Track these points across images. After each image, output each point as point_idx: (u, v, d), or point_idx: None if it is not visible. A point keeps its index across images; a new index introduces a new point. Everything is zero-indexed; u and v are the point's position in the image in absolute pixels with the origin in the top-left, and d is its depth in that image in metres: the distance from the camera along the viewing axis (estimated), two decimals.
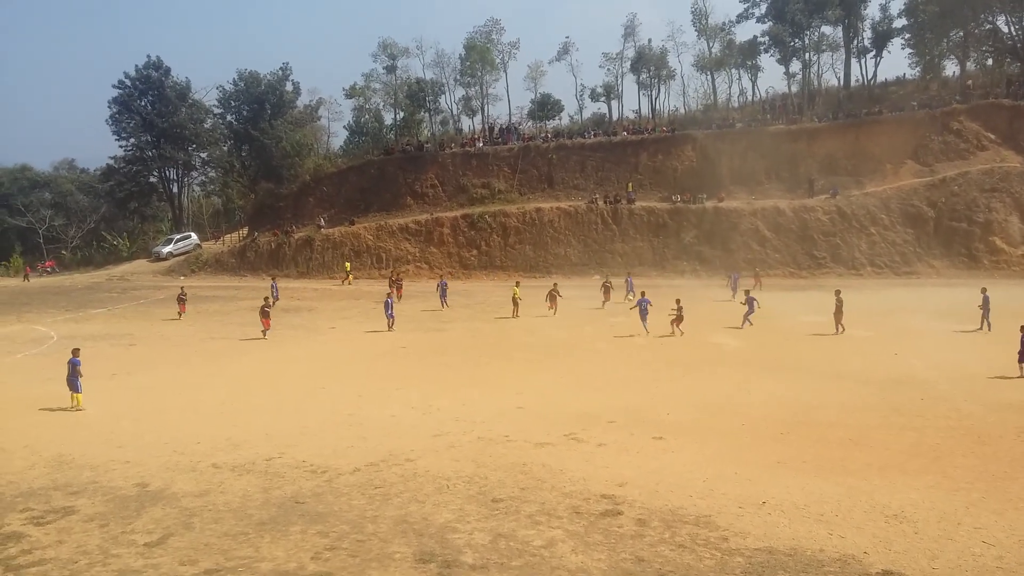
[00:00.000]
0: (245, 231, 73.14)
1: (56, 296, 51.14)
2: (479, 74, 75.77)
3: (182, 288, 43.40)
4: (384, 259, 62.49)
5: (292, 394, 22.93)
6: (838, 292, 33.42)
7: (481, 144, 70.41)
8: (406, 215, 65.50)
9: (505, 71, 77.37)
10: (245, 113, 79.32)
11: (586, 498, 14.01)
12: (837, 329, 32.42)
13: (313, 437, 18.12)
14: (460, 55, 75.46)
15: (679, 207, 62.26)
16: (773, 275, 55.19)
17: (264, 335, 33.29)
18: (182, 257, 68.50)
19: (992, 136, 63.18)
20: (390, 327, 34.76)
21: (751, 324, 34.11)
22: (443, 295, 42.58)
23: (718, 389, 23.01)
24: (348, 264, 61.92)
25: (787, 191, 63.38)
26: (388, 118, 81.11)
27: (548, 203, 64.17)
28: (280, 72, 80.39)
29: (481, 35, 75.57)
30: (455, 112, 79.53)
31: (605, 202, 63.13)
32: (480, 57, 74.28)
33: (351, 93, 77.44)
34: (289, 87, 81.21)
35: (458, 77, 76.57)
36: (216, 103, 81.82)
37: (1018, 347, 23.70)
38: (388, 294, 38.21)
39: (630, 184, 64.45)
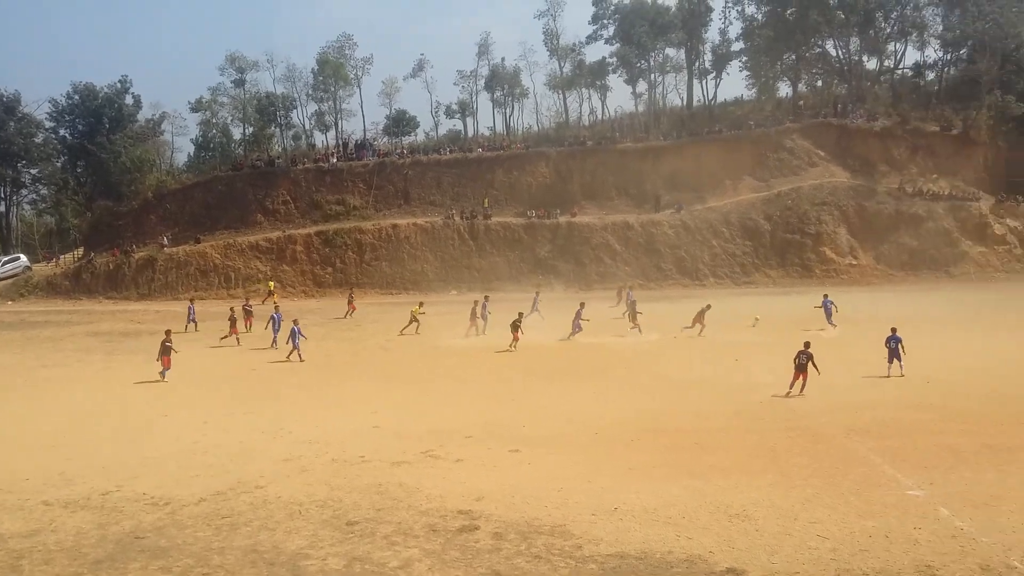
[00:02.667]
0: (81, 252, 68.82)
1: None
2: (332, 89, 74.74)
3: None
4: (233, 279, 60.18)
5: (131, 423, 21.59)
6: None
7: (335, 160, 69.28)
8: (256, 233, 63.42)
9: (359, 86, 76.76)
10: (81, 127, 75.25)
11: (443, 515, 13.89)
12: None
13: (154, 468, 17.11)
14: (313, 70, 74.31)
15: (534, 222, 63.34)
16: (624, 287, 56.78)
17: (163, 376, 27.53)
18: (9, 280, 63.61)
19: (822, 153, 67.88)
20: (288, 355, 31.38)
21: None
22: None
23: (574, 400, 23.37)
24: (272, 283, 58.50)
25: (635, 206, 65.76)
26: (237, 133, 78.74)
27: (404, 219, 63.82)
28: (119, 84, 76.81)
29: (334, 50, 74.64)
30: (308, 127, 78.21)
31: (462, 218, 63.45)
32: (333, 72, 73.33)
33: (197, 107, 74.72)
34: (129, 100, 77.77)
35: (310, 92, 75.40)
36: (48, 116, 77.10)
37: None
38: (276, 307, 37.11)
39: (486, 200, 65.10)
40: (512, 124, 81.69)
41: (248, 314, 40.01)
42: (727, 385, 24.89)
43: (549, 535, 12.97)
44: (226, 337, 36.04)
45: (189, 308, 42.88)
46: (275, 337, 34.12)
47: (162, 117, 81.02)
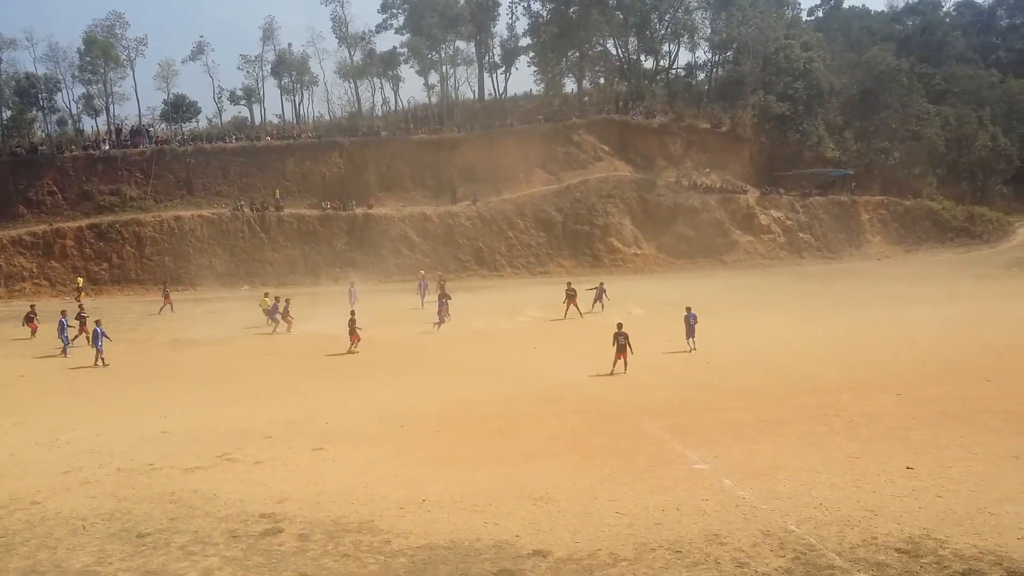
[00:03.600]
0: None
1: None
2: (102, 71, 69.05)
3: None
4: None
5: None
6: (569, 283, 39.91)
7: (107, 147, 64.07)
8: (19, 226, 57.50)
9: (132, 69, 71.23)
10: None
11: (244, 520, 13.31)
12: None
13: None
14: (79, 49, 68.32)
15: (329, 214, 61.93)
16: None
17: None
18: None
19: (607, 148, 71.09)
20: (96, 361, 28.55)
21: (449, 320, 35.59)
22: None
23: (379, 394, 23.15)
24: (80, 280, 53.34)
25: (432, 198, 65.94)
26: None
27: (188, 211, 60.27)
28: None
29: (103, 29, 69.05)
30: (75, 111, 71.93)
31: (252, 209, 60.78)
32: (103, 52, 67.78)
33: None
34: None
35: (76, 73, 69.21)
36: None
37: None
38: (81, 307, 33.24)
39: (277, 191, 62.82)
40: (302, 113, 79.44)
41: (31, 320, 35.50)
42: (527, 373, 25.53)
43: (357, 532, 12.77)
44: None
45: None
46: (65, 344, 30.86)
47: None
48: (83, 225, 57.56)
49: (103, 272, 56.06)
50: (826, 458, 15.92)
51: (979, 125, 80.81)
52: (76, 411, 21.67)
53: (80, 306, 36.19)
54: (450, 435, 18.45)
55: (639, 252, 66.08)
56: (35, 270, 55.27)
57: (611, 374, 24.53)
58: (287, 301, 36.33)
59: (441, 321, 34.77)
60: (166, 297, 44.47)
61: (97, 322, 29.32)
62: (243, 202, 61.14)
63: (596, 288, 40.37)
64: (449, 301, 36.09)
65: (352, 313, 30.75)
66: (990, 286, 49.20)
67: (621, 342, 24.76)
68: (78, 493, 14.81)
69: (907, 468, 15.15)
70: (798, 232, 71.07)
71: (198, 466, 16.31)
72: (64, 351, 29.65)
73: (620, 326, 25.21)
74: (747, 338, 31.30)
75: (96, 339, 28.46)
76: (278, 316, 35.44)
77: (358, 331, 29.87)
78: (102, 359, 28.25)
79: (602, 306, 39.25)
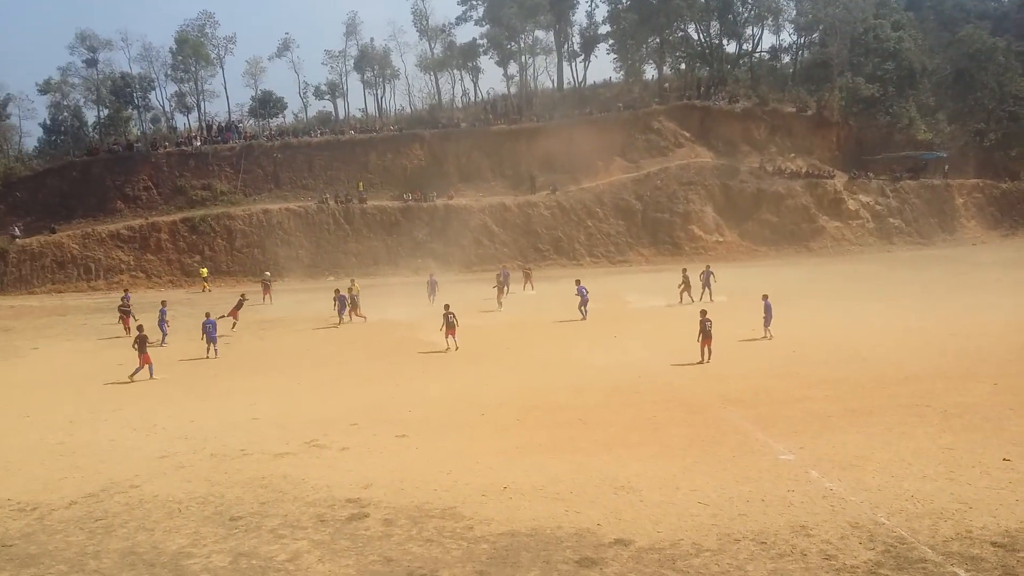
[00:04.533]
0: None
1: None
2: (193, 69, 71.42)
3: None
4: (93, 270, 56.93)
5: None
6: (684, 270, 38.66)
7: (199, 143, 66.34)
8: (117, 221, 60.13)
9: (222, 66, 73.55)
10: None
11: (331, 505, 13.65)
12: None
13: (17, 472, 16.10)
14: (171, 49, 70.76)
15: (410, 205, 62.78)
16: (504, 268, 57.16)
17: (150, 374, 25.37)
18: None
19: (687, 134, 70.09)
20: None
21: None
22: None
23: (457, 382, 23.38)
24: (204, 270, 56.54)
25: (511, 188, 66.16)
26: (91, 116, 74.21)
27: (276, 204, 61.97)
28: None
29: (194, 28, 71.36)
30: (168, 109, 74.53)
31: (336, 202, 62.16)
32: (193, 51, 70.09)
33: (45, 88, 69.94)
34: None
35: (169, 72, 71.72)
36: None
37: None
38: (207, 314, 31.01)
39: (360, 183, 64.04)
40: (384, 106, 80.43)
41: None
42: (606, 362, 25.42)
43: (440, 518, 12.95)
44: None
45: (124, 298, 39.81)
46: (164, 334, 31.91)
47: (7, 99, 75.35)
48: (176, 219, 59.79)
49: (195, 264, 58.06)
50: (918, 449, 15.42)
51: None
52: (171, 399, 22.52)
53: (125, 299, 36.65)
54: (529, 424, 18.53)
55: (721, 239, 65.00)
56: (132, 263, 57.65)
57: (701, 363, 24.27)
58: (350, 292, 36.44)
59: (584, 316, 34.21)
60: (266, 288, 45.65)
61: (207, 314, 29.76)
62: (328, 195, 62.56)
63: (703, 273, 38.87)
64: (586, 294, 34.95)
65: (447, 307, 28.76)
66: None
67: (707, 328, 24.44)
68: (174, 477, 15.42)
69: (1003, 460, 14.56)
70: (888, 217, 68.88)
71: (287, 452, 16.79)
72: (213, 348, 29.18)
73: (704, 313, 24.96)
74: (834, 326, 30.47)
75: (211, 331, 28.67)
76: (346, 307, 35.67)
77: (454, 324, 28.21)
78: (214, 349, 28.83)
79: (711, 294, 37.95)
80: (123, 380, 25.03)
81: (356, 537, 12.31)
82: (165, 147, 65.76)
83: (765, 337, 27.65)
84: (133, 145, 66.60)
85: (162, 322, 31.34)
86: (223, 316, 33.57)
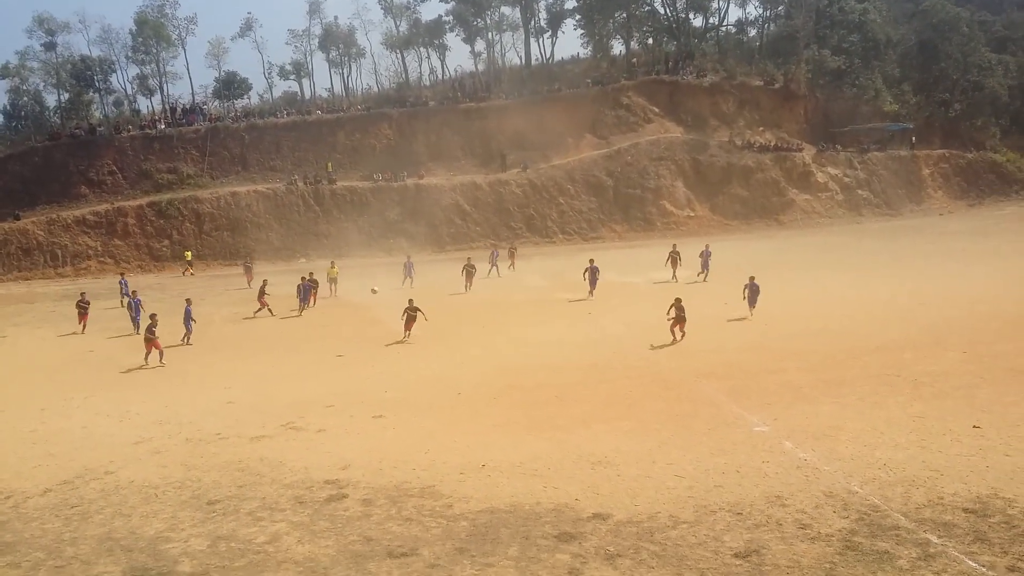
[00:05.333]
0: None
1: None
2: (154, 51, 69.93)
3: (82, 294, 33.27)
4: (60, 256, 55.93)
5: None
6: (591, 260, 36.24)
7: (163, 126, 65.18)
8: (82, 206, 58.99)
9: (184, 48, 71.94)
10: None
11: (309, 487, 13.65)
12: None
13: None
14: (131, 30, 69.25)
15: (381, 185, 62.34)
16: (476, 247, 57.15)
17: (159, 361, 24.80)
18: None
19: (656, 109, 70.10)
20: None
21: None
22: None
23: (434, 362, 23.39)
24: (189, 254, 55.86)
25: (482, 166, 65.92)
26: (51, 100, 72.60)
27: (244, 186, 61.19)
28: None
29: (153, 9, 69.81)
30: (130, 92, 73.00)
31: (305, 183, 61.51)
32: (154, 33, 68.58)
33: (4, 73, 68.18)
34: None
35: (130, 54, 70.18)
36: None
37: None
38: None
39: (329, 164, 63.40)
40: (351, 85, 79.58)
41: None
42: (582, 339, 25.53)
43: (419, 497, 13.00)
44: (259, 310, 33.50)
45: (121, 283, 39.37)
46: (136, 320, 30.13)
47: None
48: (143, 203, 58.86)
49: (164, 249, 57.35)
50: (889, 418, 15.69)
51: None
52: (145, 385, 22.32)
53: (82, 296, 32.94)
54: (506, 402, 18.60)
55: (692, 214, 65.29)
56: (100, 248, 56.74)
57: (673, 343, 24.24)
58: (309, 278, 35.82)
59: (593, 290, 34.25)
60: (247, 272, 44.91)
61: (188, 301, 29.28)
62: (296, 176, 61.89)
63: (703, 252, 37.97)
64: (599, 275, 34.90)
65: (411, 302, 27.33)
66: None
67: (681, 315, 24.32)
68: (149, 463, 15.32)
69: (974, 427, 14.86)
70: (856, 189, 69.54)
71: (263, 435, 16.73)
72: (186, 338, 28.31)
73: (679, 300, 24.72)
74: (804, 298, 30.85)
75: (186, 319, 28.07)
76: (312, 293, 35.33)
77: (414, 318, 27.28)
78: (188, 338, 28.09)
79: (706, 274, 37.36)
80: (95, 367, 24.77)
81: (335, 518, 12.33)
82: (129, 131, 64.56)
83: (748, 318, 27.25)
84: (96, 129, 65.31)
85: (188, 320, 28.78)
86: (259, 308, 33.13)
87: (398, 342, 26.59)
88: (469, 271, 38.55)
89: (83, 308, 31.91)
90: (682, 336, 24.31)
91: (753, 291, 27.53)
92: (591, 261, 35.25)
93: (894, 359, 20.49)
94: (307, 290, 34.90)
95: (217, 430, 17.23)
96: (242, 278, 44.69)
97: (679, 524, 11.54)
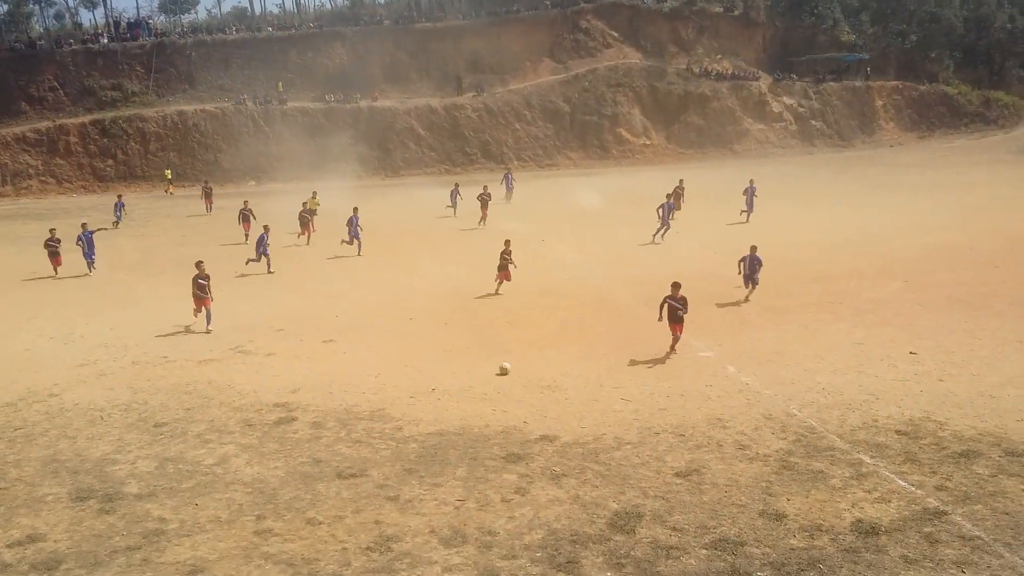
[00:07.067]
0: None
1: None
2: None
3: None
4: (0, 175, 54.23)
5: None
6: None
7: (107, 40, 62.68)
8: (22, 123, 56.80)
9: None
10: None
11: (258, 409, 13.66)
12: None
13: None
14: None
15: (333, 107, 60.99)
16: (430, 172, 56.62)
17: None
18: None
19: (615, 34, 69.24)
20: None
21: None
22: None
23: (386, 288, 23.30)
24: (168, 172, 54.16)
25: (437, 89, 64.72)
26: None
27: (191, 105, 59.36)
28: None
29: None
30: (72, 4, 70.26)
31: (255, 103, 59.90)
32: None
33: None
34: None
35: None
36: None
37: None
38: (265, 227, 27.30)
39: (280, 84, 61.73)
40: (303, 2, 77.41)
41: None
42: (535, 266, 25.53)
43: (369, 420, 13.10)
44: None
45: (117, 205, 38.70)
46: (90, 257, 27.10)
47: None
48: (86, 121, 56.87)
49: (108, 169, 55.78)
50: (830, 344, 16.10)
51: (997, 6, 78.21)
52: (89, 307, 21.92)
53: (51, 234, 26.82)
54: (457, 327, 18.68)
55: (648, 143, 65.19)
56: (41, 167, 54.96)
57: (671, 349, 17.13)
58: (305, 206, 34.10)
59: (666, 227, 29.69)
60: (207, 197, 42.54)
61: (265, 228, 27.08)
62: (246, 96, 60.17)
63: (747, 189, 33.66)
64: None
65: (507, 243, 22.83)
66: (1004, 172, 48.52)
67: (678, 314, 16.48)
68: (95, 385, 15.17)
69: (910, 353, 15.33)
70: (810, 119, 69.91)
71: (211, 358, 16.62)
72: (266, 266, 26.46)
73: (508, 243, 22.59)
74: (756, 228, 31.12)
75: (260, 245, 26.20)
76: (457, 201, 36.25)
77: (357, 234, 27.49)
78: (268, 264, 26.32)
79: (748, 214, 33.30)
80: (39, 290, 24.21)
81: (284, 440, 12.38)
82: (70, 45, 61.91)
83: (747, 300, 20.77)
84: (36, 43, 62.56)
85: (262, 247, 26.21)
86: (300, 234, 31.55)
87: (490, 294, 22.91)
88: (484, 200, 34.96)
89: (53, 248, 26.69)
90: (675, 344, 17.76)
91: (753, 264, 20.74)
92: (751, 181, 33.43)
93: (839, 288, 20.94)
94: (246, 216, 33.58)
95: (164, 353, 17.08)
96: (200, 203, 43.11)
97: (623, 445, 11.81)
